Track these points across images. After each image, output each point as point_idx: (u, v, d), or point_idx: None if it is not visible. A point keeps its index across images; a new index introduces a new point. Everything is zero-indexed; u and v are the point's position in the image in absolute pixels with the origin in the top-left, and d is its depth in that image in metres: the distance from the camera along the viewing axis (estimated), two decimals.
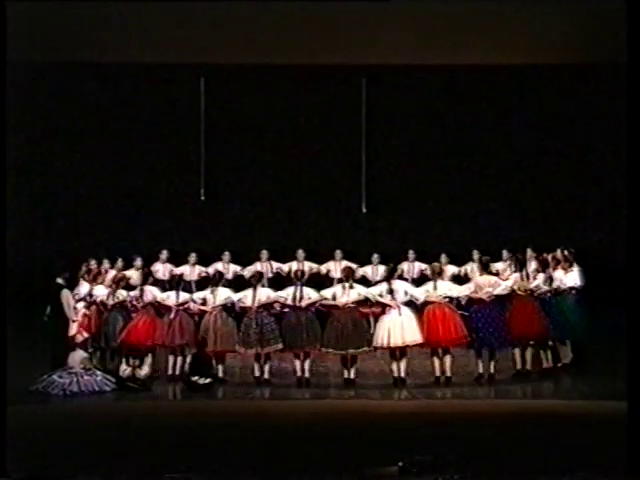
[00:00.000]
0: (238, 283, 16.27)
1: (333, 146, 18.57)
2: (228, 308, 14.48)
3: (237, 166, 18.60)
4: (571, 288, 15.01)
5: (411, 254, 16.81)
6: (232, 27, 17.19)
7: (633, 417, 10.33)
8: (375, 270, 16.72)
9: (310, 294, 14.19)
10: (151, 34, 17.21)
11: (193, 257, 16.92)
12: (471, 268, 16.41)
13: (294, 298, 14.13)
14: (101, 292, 14.94)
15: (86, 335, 14.53)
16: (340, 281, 14.71)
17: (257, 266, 16.89)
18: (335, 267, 16.93)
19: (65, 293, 14.87)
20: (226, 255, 17.05)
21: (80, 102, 18.32)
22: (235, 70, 18.15)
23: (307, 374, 14.16)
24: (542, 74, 18.08)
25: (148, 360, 14.58)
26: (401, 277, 16.06)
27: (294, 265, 16.93)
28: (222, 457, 10.35)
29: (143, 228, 18.38)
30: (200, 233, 18.44)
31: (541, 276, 14.74)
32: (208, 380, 13.91)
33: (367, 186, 18.52)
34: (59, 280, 14.99)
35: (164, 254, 16.90)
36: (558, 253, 15.50)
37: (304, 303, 14.09)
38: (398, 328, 13.85)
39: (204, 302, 14.41)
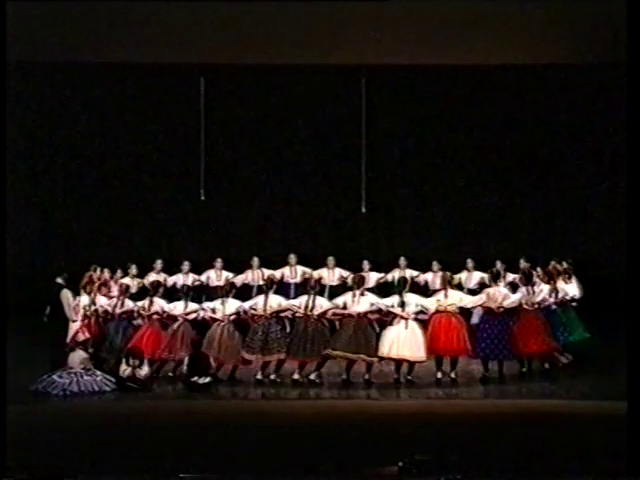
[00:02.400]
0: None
1: (333, 146, 18.56)
2: (237, 320, 14.33)
3: (237, 166, 18.60)
4: (572, 299, 15.05)
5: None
6: (232, 27, 17.20)
7: (633, 417, 10.34)
8: (331, 274, 16.73)
9: (323, 303, 14.13)
10: (151, 34, 17.22)
11: (186, 265, 16.82)
12: (466, 276, 16.40)
13: (306, 307, 14.07)
14: (105, 301, 14.88)
15: (87, 335, 14.50)
16: (350, 289, 14.48)
17: (248, 274, 16.86)
18: (328, 274, 16.89)
19: (65, 293, 14.84)
20: (218, 262, 16.97)
21: (80, 102, 18.33)
22: (235, 70, 18.16)
23: (315, 378, 14.09)
24: (542, 74, 18.08)
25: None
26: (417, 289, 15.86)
27: (286, 270, 16.91)
28: (222, 457, 10.35)
29: (142, 228, 18.39)
30: (200, 234, 18.45)
31: (546, 288, 14.73)
32: (207, 379, 13.89)
33: (367, 186, 18.51)
34: (59, 280, 14.96)
35: (158, 264, 16.81)
36: (561, 265, 15.55)
37: (316, 312, 14.03)
38: (402, 342, 13.79)
39: (214, 312, 14.34)
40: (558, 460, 10.13)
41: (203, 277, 16.81)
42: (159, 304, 14.62)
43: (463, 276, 16.36)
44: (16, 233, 16.88)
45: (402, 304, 13.89)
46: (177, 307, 14.54)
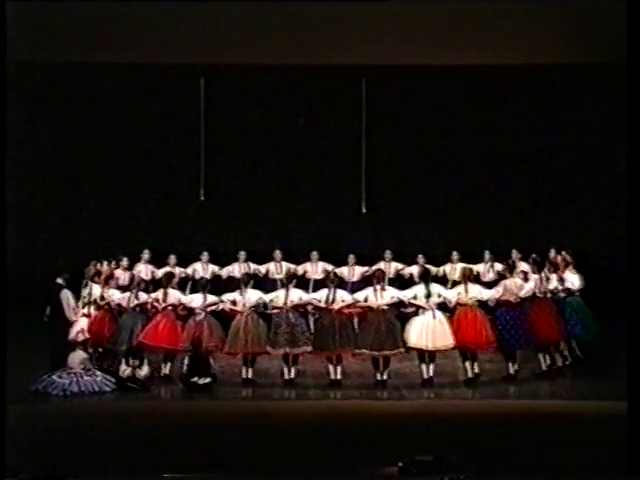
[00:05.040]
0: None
1: (333, 146, 18.56)
2: (259, 310, 14.32)
3: (237, 166, 18.60)
4: (578, 290, 15.12)
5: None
6: (232, 27, 17.20)
7: (633, 417, 10.34)
8: (351, 271, 16.75)
9: (344, 297, 14.16)
10: (151, 34, 17.22)
11: (172, 259, 16.88)
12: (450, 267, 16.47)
13: (327, 300, 14.09)
14: (117, 295, 14.87)
15: (87, 335, 14.49)
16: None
17: (235, 267, 16.90)
18: (312, 268, 16.92)
19: (65, 293, 14.84)
20: (204, 255, 17.04)
21: (80, 102, 18.31)
22: (235, 70, 18.15)
23: (339, 376, 14.07)
24: (542, 74, 18.08)
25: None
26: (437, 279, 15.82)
27: (271, 266, 16.96)
28: (222, 457, 10.35)
29: (142, 229, 18.38)
30: (199, 234, 18.44)
31: (554, 277, 14.83)
32: (207, 380, 13.90)
33: (367, 186, 18.52)
34: (59, 280, 14.97)
35: (146, 254, 16.89)
36: (566, 255, 15.64)
37: (336, 306, 14.05)
38: (430, 331, 13.82)
39: (233, 303, 14.31)
40: (558, 460, 10.13)
41: (189, 270, 16.86)
42: (175, 296, 14.61)
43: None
44: (16, 233, 16.87)
45: (428, 295, 13.94)
46: (195, 300, 14.52)
